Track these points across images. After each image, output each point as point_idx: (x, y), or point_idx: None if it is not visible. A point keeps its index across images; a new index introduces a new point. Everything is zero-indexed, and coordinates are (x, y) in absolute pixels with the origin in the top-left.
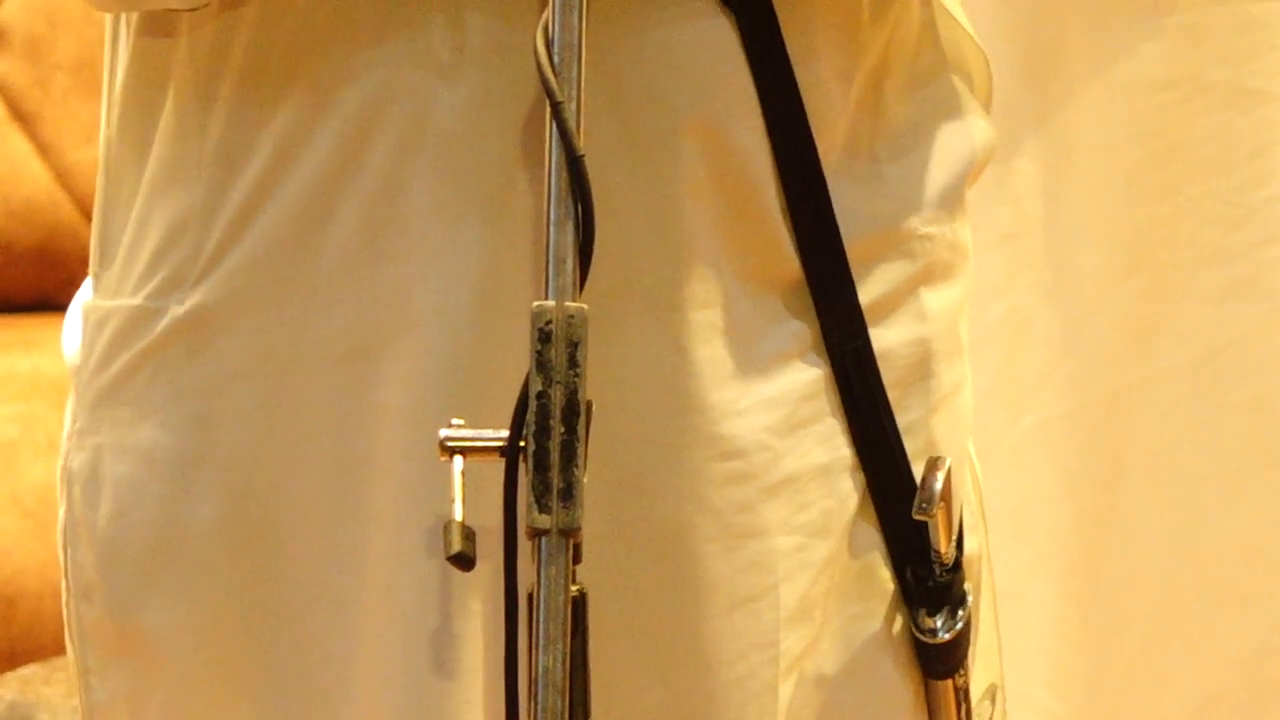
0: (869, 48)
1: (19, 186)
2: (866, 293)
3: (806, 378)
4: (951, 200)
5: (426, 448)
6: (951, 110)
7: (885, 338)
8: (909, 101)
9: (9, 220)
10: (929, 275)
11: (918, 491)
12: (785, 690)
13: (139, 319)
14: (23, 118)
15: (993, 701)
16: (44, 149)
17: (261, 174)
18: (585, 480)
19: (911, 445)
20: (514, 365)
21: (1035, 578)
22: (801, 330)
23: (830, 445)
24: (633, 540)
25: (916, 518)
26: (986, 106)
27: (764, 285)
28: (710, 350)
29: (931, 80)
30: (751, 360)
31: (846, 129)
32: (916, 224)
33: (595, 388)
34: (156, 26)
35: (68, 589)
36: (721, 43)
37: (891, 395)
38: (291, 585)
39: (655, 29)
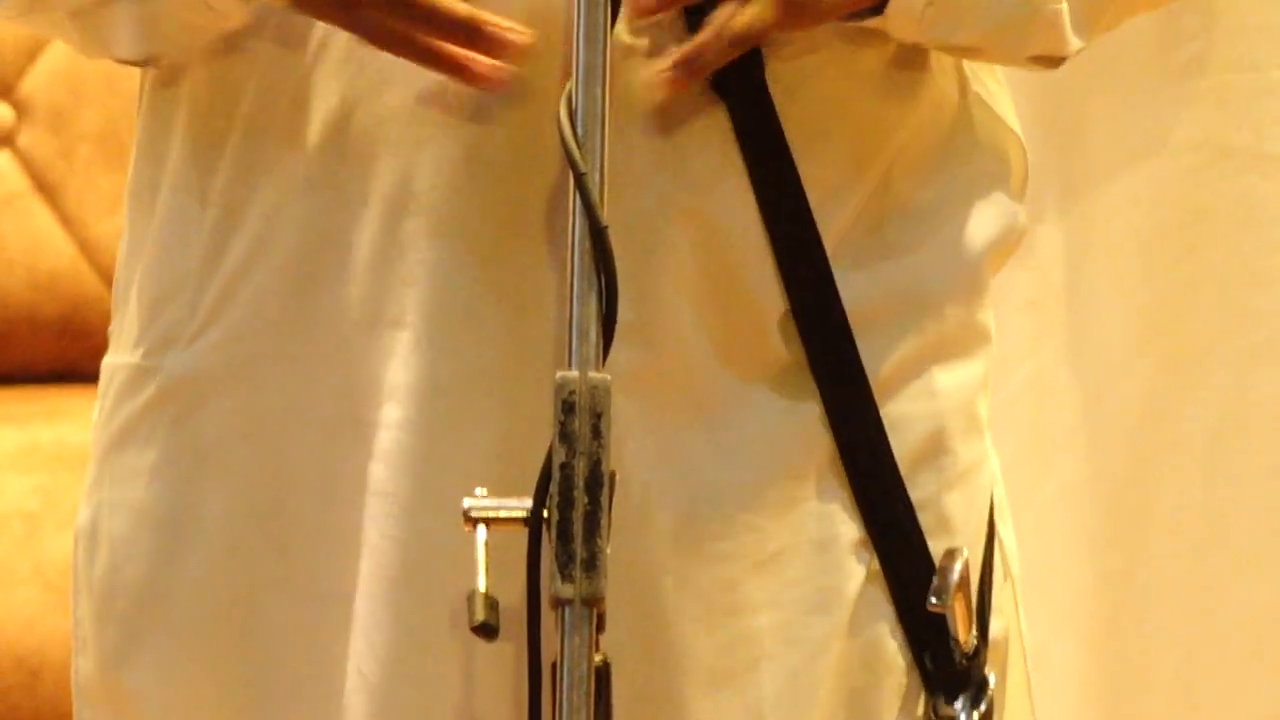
0: (889, 132)
1: (43, 258)
2: (871, 364)
3: (803, 457)
4: (969, 280)
5: (401, 521)
6: (980, 194)
7: (894, 411)
8: (934, 183)
9: (33, 292)
10: (940, 352)
11: (933, 582)
12: None
13: (136, 377)
14: (46, 189)
15: None
16: (67, 221)
17: (253, 238)
18: (609, 550)
19: (922, 520)
20: (487, 438)
21: (1058, 640)
22: (799, 409)
23: (829, 522)
24: (617, 619)
25: (931, 610)
26: (1020, 193)
27: (752, 368)
28: (687, 431)
29: (963, 164)
30: (735, 441)
31: (856, 207)
32: (924, 297)
33: None
34: (166, 78)
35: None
36: (709, 131)
37: (901, 470)
38: (272, 654)
39: (643, 118)
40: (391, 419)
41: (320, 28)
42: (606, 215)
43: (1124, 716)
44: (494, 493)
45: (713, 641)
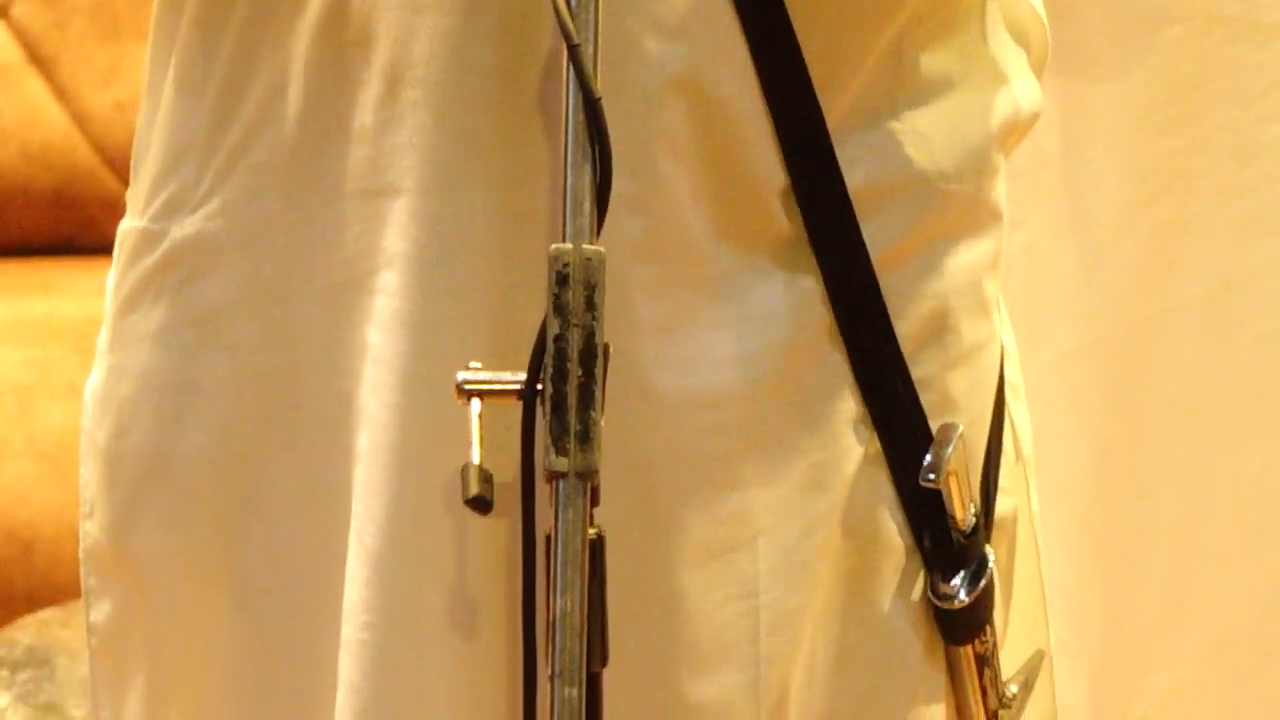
0: (898, 1)
1: (36, 130)
2: (874, 241)
3: (802, 331)
4: (978, 157)
5: (398, 389)
6: (996, 72)
7: (896, 288)
8: (948, 58)
9: (26, 163)
10: (946, 229)
11: (926, 459)
12: (771, 643)
13: (144, 241)
14: (40, 61)
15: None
16: (61, 92)
17: (258, 105)
18: (603, 422)
19: (925, 399)
20: (482, 308)
21: (1053, 511)
22: (799, 283)
23: (828, 397)
24: (608, 490)
25: (923, 485)
26: (1037, 72)
27: (751, 241)
28: (686, 301)
29: (980, 40)
30: (735, 313)
31: (864, 79)
32: (933, 175)
33: None
34: None
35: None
36: None
37: (904, 347)
38: (276, 521)
39: None
40: (389, 286)
41: None
42: (601, 85)
43: (1118, 589)
44: (491, 361)
45: (705, 515)
